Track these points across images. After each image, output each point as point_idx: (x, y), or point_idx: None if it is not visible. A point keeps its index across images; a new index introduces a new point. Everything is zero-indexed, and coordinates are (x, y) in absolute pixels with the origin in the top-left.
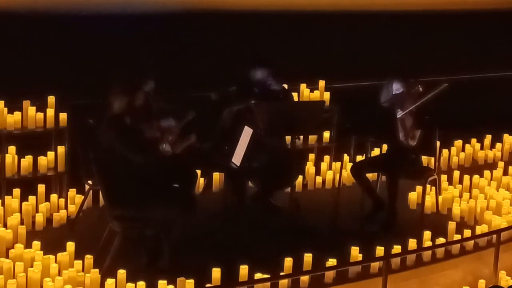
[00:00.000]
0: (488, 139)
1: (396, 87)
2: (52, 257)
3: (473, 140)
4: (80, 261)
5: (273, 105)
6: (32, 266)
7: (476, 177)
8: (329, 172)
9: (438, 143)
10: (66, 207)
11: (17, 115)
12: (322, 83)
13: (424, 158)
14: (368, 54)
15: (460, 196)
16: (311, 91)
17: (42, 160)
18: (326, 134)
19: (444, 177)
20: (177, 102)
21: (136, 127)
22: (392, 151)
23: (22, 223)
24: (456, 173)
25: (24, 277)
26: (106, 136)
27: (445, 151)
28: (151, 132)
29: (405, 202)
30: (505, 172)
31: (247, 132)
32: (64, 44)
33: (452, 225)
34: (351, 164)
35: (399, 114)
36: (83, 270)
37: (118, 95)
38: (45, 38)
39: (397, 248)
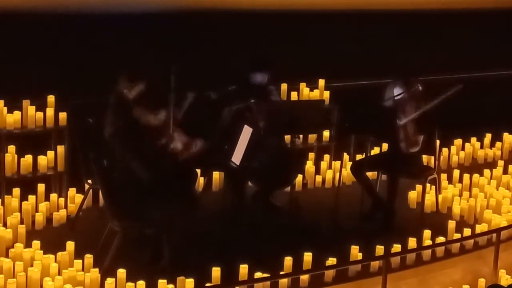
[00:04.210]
0: (488, 138)
1: (398, 92)
2: (52, 256)
3: (473, 139)
4: (80, 261)
5: (272, 104)
6: (32, 266)
7: (476, 176)
8: (329, 171)
9: (438, 142)
10: (66, 207)
11: (17, 114)
12: (322, 82)
13: (424, 157)
14: (368, 53)
15: (460, 195)
16: (311, 90)
17: (42, 159)
18: (326, 133)
19: (444, 176)
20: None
21: (149, 134)
22: (392, 151)
23: (22, 223)
24: (456, 172)
25: (24, 276)
26: (118, 145)
27: (445, 150)
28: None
29: (405, 201)
30: (505, 171)
31: (246, 131)
32: (64, 44)
33: (452, 224)
34: (350, 163)
35: (402, 120)
36: (83, 270)
37: (145, 108)
38: (45, 38)
39: (397, 247)
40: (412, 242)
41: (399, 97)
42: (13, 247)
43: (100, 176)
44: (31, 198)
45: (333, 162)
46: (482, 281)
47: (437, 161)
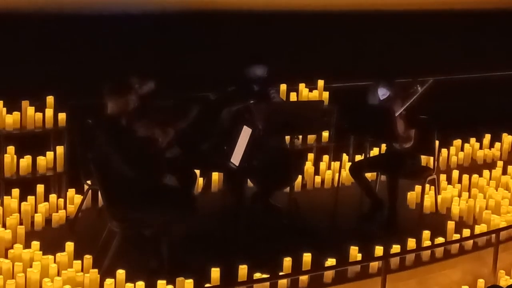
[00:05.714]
0: (487, 138)
1: (382, 93)
2: (51, 257)
3: (472, 140)
4: (79, 261)
5: (272, 105)
6: (31, 266)
7: (475, 176)
8: (328, 172)
9: (437, 142)
10: (65, 207)
11: (16, 115)
12: (321, 82)
13: (423, 158)
14: (368, 54)
15: (459, 196)
16: (310, 90)
17: (41, 160)
18: (325, 134)
19: (443, 177)
20: (177, 99)
21: (131, 129)
22: (391, 151)
23: (21, 223)
24: (455, 173)
25: (23, 277)
26: (101, 139)
27: (444, 151)
28: (145, 131)
29: (404, 202)
30: (504, 172)
31: (246, 132)
32: (64, 44)
33: (451, 225)
34: (350, 163)
35: None
36: (82, 270)
37: (111, 97)
38: (45, 38)
39: (396, 248)
40: (411, 243)
41: (384, 97)
42: (12, 248)
43: (99, 177)
44: (30, 198)
45: (332, 162)
46: (481, 282)
47: (436, 162)
